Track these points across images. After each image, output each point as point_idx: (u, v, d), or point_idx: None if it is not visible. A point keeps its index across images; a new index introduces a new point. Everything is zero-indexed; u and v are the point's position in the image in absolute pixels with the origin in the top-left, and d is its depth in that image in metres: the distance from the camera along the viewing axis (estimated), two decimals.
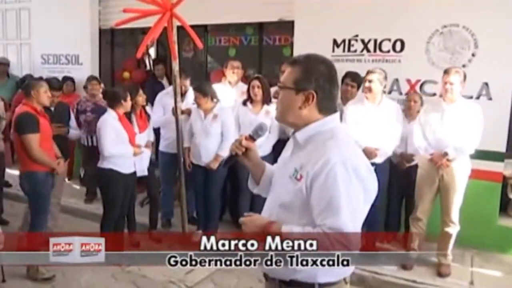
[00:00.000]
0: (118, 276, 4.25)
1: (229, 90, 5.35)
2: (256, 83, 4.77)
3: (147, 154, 4.83)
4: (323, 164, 1.66)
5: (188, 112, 4.94)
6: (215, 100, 4.74)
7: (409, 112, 4.69)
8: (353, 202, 1.68)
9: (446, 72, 4.13)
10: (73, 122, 5.14)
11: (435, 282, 4.11)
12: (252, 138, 1.96)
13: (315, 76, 1.76)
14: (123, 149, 4.36)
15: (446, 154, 4.10)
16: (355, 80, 4.85)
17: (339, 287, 1.85)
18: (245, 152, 1.95)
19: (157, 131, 5.31)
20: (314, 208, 1.69)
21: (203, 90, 4.69)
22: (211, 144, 4.72)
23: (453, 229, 4.23)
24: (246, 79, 5.57)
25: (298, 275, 1.78)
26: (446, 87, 4.08)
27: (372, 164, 4.28)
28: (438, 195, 4.31)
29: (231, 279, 4.26)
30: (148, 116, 4.97)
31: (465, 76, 4.11)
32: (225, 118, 4.73)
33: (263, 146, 4.52)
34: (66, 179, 5.60)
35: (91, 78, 6.15)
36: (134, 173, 4.57)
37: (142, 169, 4.77)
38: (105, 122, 4.37)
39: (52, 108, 4.74)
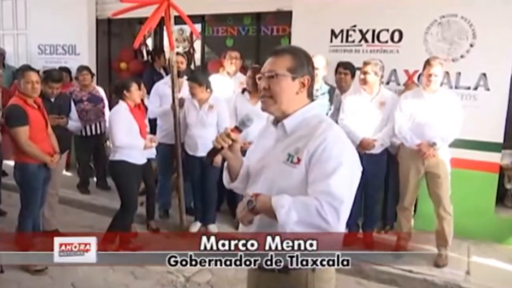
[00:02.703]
0: (116, 267, 4.26)
1: (227, 80, 5.33)
2: None
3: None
4: (321, 141, 1.75)
5: (181, 103, 4.89)
6: (209, 90, 4.72)
7: None
8: (342, 173, 1.72)
9: (428, 63, 4.11)
10: (74, 113, 5.12)
11: (432, 272, 4.13)
12: (238, 129, 1.92)
13: (306, 62, 1.90)
14: (134, 140, 4.36)
15: (434, 144, 4.11)
16: (347, 67, 4.87)
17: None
18: (230, 144, 1.92)
19: (153, 122, 5.29)
20: (308, 180, 1.75)
21: (199, 80, 4.67)
22: (208, 135, 4.70)
23: (449, 218, 4.24)
24: (244, 69, 5.55)
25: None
26: (430, 79, 4.08)
27: (370, 154, 4.36)
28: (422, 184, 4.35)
29: (229, 270, 4.27)
30: (146, 108, 4.96)
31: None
32: (221, 109, 4.72)
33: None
34: (64, 170, 5.58)
35: (82, 69, 6.05)
36: (145, 163, 4.58)
37: (151, 152, 4.77)
38: (117, 113, 4.39)
39: (52, 99, 4.72)
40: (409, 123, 4.23)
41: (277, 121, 1.92)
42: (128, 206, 4.47)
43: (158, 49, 7.28)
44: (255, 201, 1.74)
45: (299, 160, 1.77)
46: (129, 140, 4.34)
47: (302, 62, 1.88)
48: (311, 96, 1.92)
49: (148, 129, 4.95)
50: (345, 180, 1.73)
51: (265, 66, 1.92)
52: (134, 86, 4.41)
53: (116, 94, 4.47)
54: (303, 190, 1.76)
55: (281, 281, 1.86)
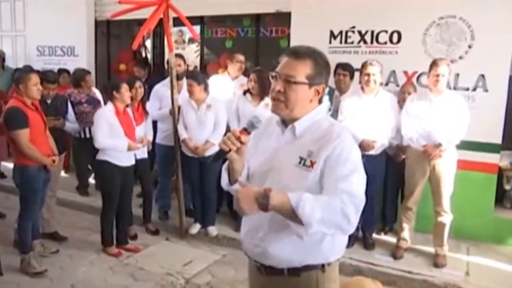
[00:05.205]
0: (115, 269, 4.26)
1: (227, 81, 5.33)
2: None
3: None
4: (336, 145, 1.72)
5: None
6: (206, 91, 4.73)
7: (404, 104, 4.68)
8: (361, 176, 1.74)
9: (435, 63, 4.14)
10: (71, 115, 5.11)
11: (431, 273, 4.14)
12: (247, 131, 1.83)
13: (325, 71, 1.83)
14: (115, 142, 4.34)
15: (440, 145, 4.12)
16: (346, 69, 4.89)
17: (336, 265, 1.93)
18: (239, 147, 1.83)
19: (154, 123, 5.28)
20: (326, 181, 1.72)
21: (197, 78, 4.67)
22: (207, 135, 4.72)
23: (447, 219, 4.27)
24: (244, 71, 5.54)
25: (310, 259, 1.81)
26: (437, 79, 4.10)
27: (369, 156, 4.37)
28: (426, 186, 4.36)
29: (228, 271, 4.28)
30: (146, 111, 4.92)
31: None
32: (219, 109, 4.73)
33: None
34: (63, 172, 5.58)
35: (85, 72, 5.95)
36: (132, 166, 4.56)
37: (141, 152, 4.76)
38: (100, 114, 4.40)
39: (49, 101, 4.71)
40: (416, 125, 4.25)
41: (284, 123, 1.87)
42: (106, 205, 4.48)
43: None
44: (270, 198, 1.58)
45: (312, 163, 1.74)
46: (110, 141, 4.32)
47: (322, 70, 1.81)
48: (320, 101, 1.89)
49: (150, 136, 4.93)
50: (362, 182, 1.74)
51: (283, 67, 1.80)
52: (124, 88, 4.37)
53: (106, 94, 4.48)
54: (316, 192, 1.72)
55: (291, 284, 1.85)
